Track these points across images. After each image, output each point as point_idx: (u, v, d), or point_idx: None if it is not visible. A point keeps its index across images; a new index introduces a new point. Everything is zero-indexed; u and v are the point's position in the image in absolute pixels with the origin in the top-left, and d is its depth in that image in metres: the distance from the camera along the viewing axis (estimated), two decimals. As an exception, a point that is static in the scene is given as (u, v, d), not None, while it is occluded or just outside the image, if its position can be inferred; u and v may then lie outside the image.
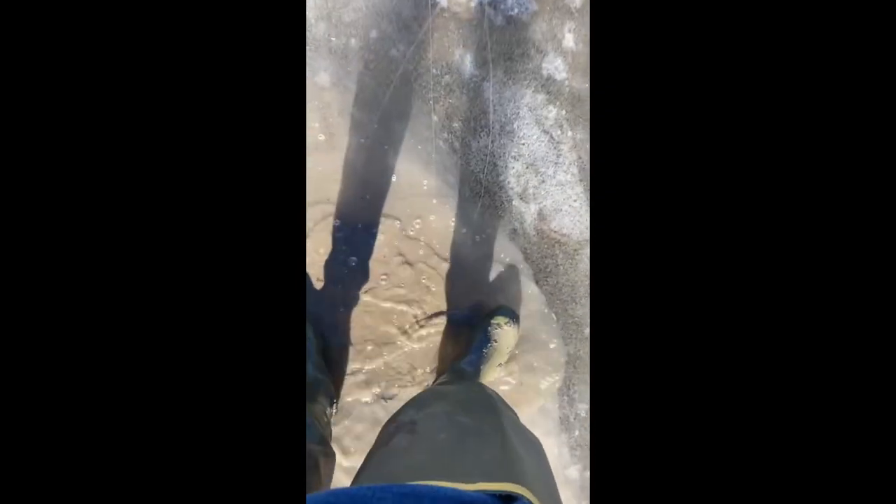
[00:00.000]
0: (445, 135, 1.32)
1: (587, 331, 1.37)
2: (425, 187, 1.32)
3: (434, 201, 1.32)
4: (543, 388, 1.36)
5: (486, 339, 1.24)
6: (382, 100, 1.30)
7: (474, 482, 0.56)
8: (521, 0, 1.30)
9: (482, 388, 1.06)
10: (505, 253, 1.34)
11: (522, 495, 0.56)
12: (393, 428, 0.77)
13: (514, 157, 1.33)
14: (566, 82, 1.33)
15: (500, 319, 1.25)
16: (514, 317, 1.27)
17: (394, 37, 1.29)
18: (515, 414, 0.94)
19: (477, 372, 1.22)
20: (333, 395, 1.26)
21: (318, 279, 1.30)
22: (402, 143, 1.31)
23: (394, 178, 1.31)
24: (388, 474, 0.66)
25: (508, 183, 1.34)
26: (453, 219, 1.33)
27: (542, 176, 1.34)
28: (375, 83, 1.29)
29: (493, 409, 0.80)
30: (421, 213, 1.32)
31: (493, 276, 1.35)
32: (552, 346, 1.36)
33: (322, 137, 1.28)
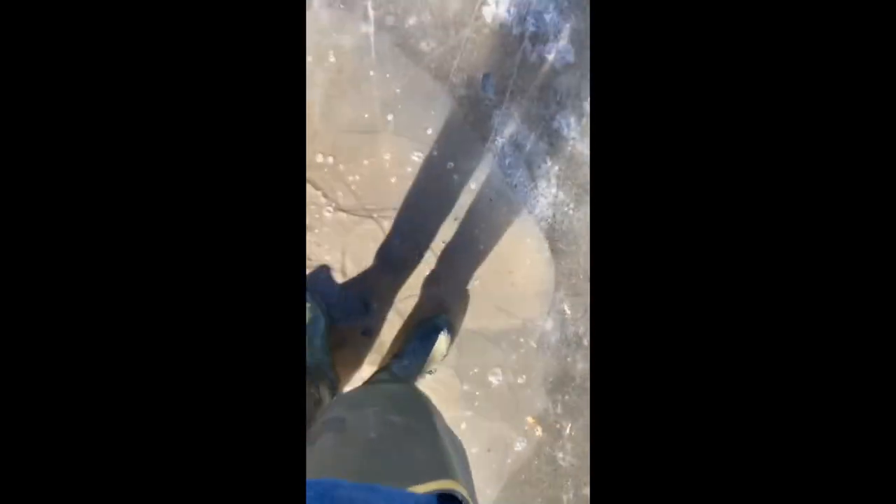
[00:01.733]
0: (438, 144, 1.32)
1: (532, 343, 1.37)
2: (393, 181, 1.31)
3: (394, 199, 1.32)
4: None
5: (421, 347, 1.25)
6: (393, 84, 1.29)
7: (424, 482, 0.55)
8: (561, 48, 1.30)
9: (414, 388, 1.04)
10: (457, 272, 1.34)
11: (460, 492, 0.56)
12: (319, 426, 0.73)
13: (490, 190, 1.33)
14: (571, 142, 1.33)
15: (436, 328, 1.26)
16: (448, 327, 1.28)
17: (429, 32, 1.28)
18: (441, 416, 0.94)
19: (408, 377, 1.23)
20: (335, 379, 1.23)
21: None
22: (392, 130, 1.31)
23: (365, 163, 1.31)
24: (313, 474, 0.61)
25: (479, 212, 1.33)
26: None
27: (509, 221, 1.34)
28: (394, 66, 1.29)
29: (425, 409, 0.79)
30: (388, 204, 1.32)
31: (442, 290, 1.34)
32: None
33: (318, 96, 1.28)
